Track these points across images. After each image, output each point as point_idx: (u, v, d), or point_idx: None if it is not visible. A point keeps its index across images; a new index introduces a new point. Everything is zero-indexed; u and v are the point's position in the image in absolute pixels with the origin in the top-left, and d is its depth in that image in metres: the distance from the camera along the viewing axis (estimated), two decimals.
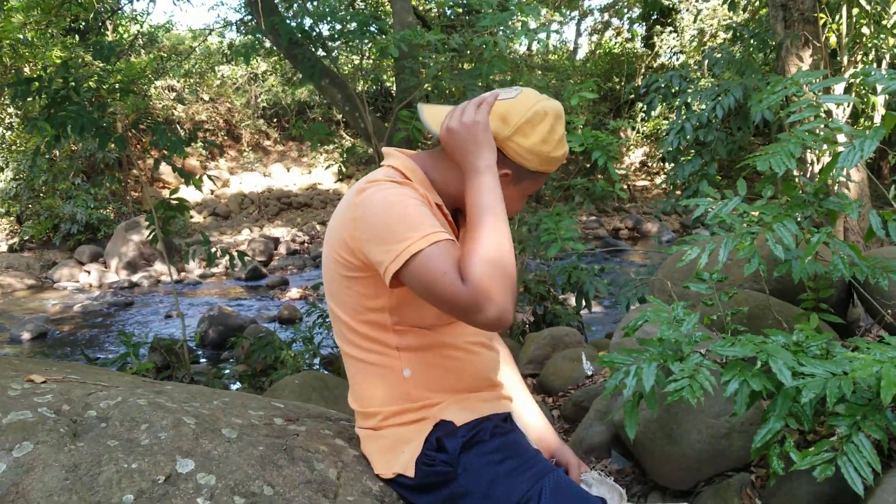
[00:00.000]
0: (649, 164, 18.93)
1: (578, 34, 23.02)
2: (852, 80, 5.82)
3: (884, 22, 5.53)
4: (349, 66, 12.01)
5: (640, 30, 19.71)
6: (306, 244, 15.30)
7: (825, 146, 2.95)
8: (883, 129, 2.52)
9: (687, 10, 15.33)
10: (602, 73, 19.59)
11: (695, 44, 15.67)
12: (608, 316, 7.98)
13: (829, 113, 4.89)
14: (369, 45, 5.89)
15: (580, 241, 5.07)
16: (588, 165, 5.26)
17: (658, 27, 17.59)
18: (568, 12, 19.08)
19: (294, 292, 11.45)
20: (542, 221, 5.10)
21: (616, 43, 20.78)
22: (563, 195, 7.26)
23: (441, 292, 1.31)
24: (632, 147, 19.07)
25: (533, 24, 5.17)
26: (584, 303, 6.06)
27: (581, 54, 21.92)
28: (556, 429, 3.75)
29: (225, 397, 1.81)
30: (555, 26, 21.05)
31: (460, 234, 1.61)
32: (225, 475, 1.41)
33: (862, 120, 5.79)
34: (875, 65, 5.83)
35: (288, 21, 5.68)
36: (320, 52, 6.09)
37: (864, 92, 5.87)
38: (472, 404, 1.54)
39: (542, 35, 19.47)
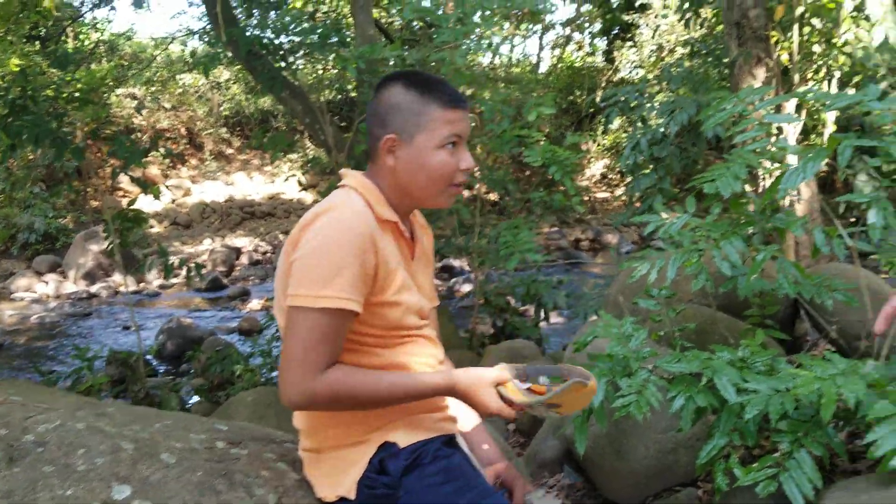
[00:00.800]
0: (609, 177, 19.15)
1: (541, 48, 23.27)
2: (801, 99, 5.97)
3: (834, 40, 5.67)
4: (312, 76, 11.99)
5: (602, 44, 19.97)
6: (269, 254, 15.16)
7: (773, 165, 3.02)
8: (826, 151, 2.59)
9: (646, 25, 15.57)
10: (564, 86, 19.79)
11: (653, 59, 15.91)
12: (567, 328, 8.04)
13: (778, 131, 5.00)
14: (332, 57, 5.89)
15: (540, 252, 5.12)
16: (549, 179, 5.31)
17: (618, 42, 17.84)
18: (531, 26, 19.26)
19: (255, 303, 11.34)
20: (501, 234, 5.14)
21: (577, 57, 21.03)
22: (523, 208, 7.30)
23: (291, 355, 1.39)
24: (592, 159, 19.28)
25: (496, 39, 5.23)
26: (542, 315, 6.10)
27: (543, 67, 22.13)
28: (512, 443, 3.77)
29: (167, 419, 1.79)
30: (518, 40, 21.27)
31: (416, 249, 1.63)
32: (162, 502, 1.39)
33: (813, 136, 5.93)
34: (826, 82, 5.98)
35: (247, 32, 5.65)
36: (281, 64, 6.06)
37: (814, 109, 6.02)
38: (417, 426, 1.54)
39: (505, 48, 19.65)
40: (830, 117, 5.75)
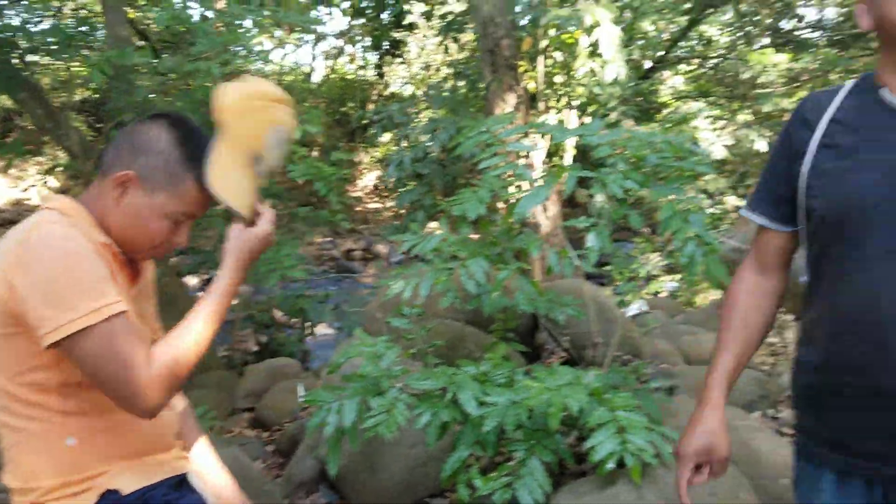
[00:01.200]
0: (381, 188, 19.50)
1: (314, 57, 23.18)
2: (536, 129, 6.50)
3: (573, 73, 6.24)
4: (62, 73, 10.98)
5: (373, 58, 20.32)
6: None
7: (512, 190, 3.26)
8: (554, 180, 2.85)
9: (415, 43, 16.10)
10: (336, 97, 19.87)
11: (421, 76, 16.48)
12: (337, 341, 8.06)
13: (525, 156, 5.40)
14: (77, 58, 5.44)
15: (309, 264, 5.09)
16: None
17: (388, 57, 18.26)
18: (303, 36, 19.13)
19: None
20: None
21: (350, 69, 21.22)
22: (288, 221, 7.22)
23: (113, 374, 1.27)
24: (365, 170, 19.54)
25: (269, 45, 5.13)
26: (308, 330, 6.07)
27: (317, 77, 22.06)
28: (270, 464, 3.71)
29: None
30: (290, 48, 21.00)
31: (139, 275, 1.54)
32: None
33: (556, 159, 6.48)
34: (567, 109, 6.56)
35: None
36: (20, 62, 5.48)
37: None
38: (143, 469, 1.47)
39: (277, 55, 19.31)
40: (570, 142, 6.30)
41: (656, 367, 3.70)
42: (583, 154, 5.93)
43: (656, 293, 6.90)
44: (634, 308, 5.78)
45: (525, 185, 3.16)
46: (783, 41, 10.95)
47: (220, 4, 5.42)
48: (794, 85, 8.87)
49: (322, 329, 7.05)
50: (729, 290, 1.55)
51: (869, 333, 1.25)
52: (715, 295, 5.68)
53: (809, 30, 11.57)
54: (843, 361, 1.30)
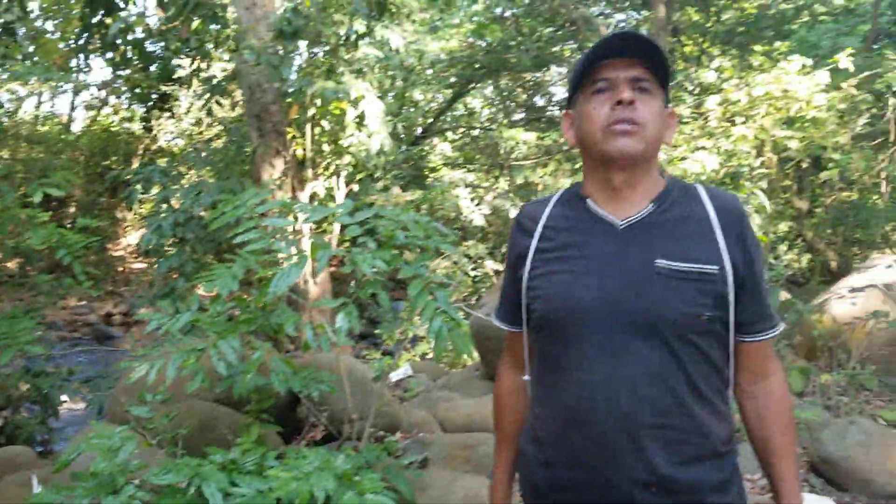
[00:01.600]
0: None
1: (73, 107, 21.54)
2: (316, 192, 6.54)
3: (340, 142, 6.36)
4: None
5: (141, 111, 19.32)
6: None
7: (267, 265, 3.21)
8: (307, 257, 2.86)
9: (185, 97, 15.58)
10: (99, 150, 18.59)
11: (190, 132, 15.96)
12: (85, 420, 7.35)
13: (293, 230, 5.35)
14: None
15: (61, 332, 4.63)
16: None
17: (157, 111, 17.48)
18: (60, 84, 17.78)
19: None
20: None
21: (114, 121, 20.00)
22: (30, 288, 6.57)
23: None
24: (129, 228, 18.35)
25: (23, 92, 4.69)
26: (50, 411, 5.51)
27: (76, 128, 20.52)
28: None
29: None
30: (46, 96, 19.41)
31: None
32: None
33: (325, 225, 6.52)
34: (335, 177, 6.64)
35: None
36: None
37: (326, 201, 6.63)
38: None
39: (31, 104, 17.76)
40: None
41: (413, 438, 3.77)
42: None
43: (424, 355, 7.09)
44: (400, 373, 5.89)
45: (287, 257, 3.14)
46: (536, 117, 11.97)
47: None
48: (544, 159, 9.70)
49: (73, 404, 6.41)
50: (495, 391, 1.66)
51: (591, 431, 1.32)
52: (475, 359, 5.94)
53: (558, 107, 12.74)
54: (569, 458, 1.37)
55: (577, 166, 8.71)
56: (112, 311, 15.20)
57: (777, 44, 8.68)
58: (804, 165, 7.97)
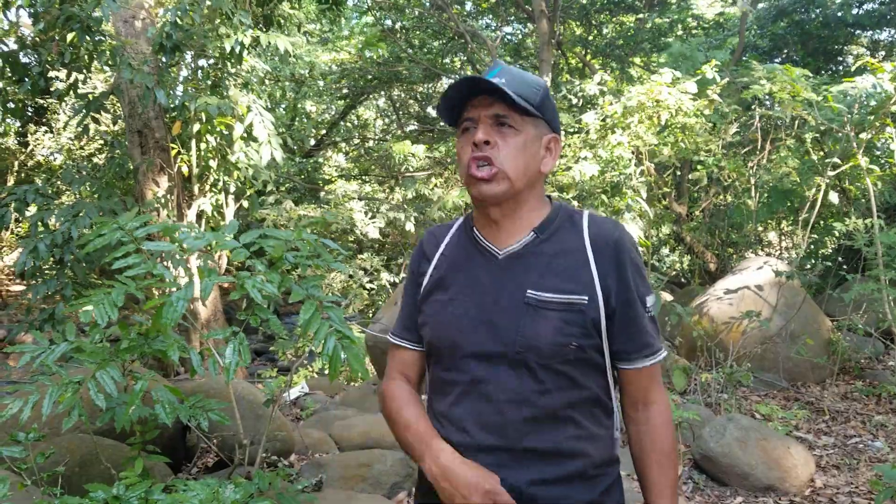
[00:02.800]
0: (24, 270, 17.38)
1: None
2: (203, 209, 6.36)
3: (228, 157, 6.20)
4: None
5: (16, 124, 18.23)
6: None
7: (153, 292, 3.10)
8: (193, 285, 2.78)
9: (63, 112, 14.84)
10: None
11: (72, 146, 15.23)
12: None
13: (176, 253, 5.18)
14: None
15: None
16: None
17: (33, 125, 16.55)
18: None
19: None
20: None
21: None
22: None
23: None
24: (5, 249, 17.30)
25: None
26: None
27: None
28: None
29: None
30: None
31: None
32: None
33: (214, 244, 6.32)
34: (223, 194, 6.48)
35: None
36: None
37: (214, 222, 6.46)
38: None
39: None
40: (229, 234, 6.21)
41: (308, 461, 3.73)
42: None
43: (322, 370, 7.00)
44: (296, 391, 5.81)
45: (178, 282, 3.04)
46: (428, 128, 12.07)
47: None
48: (438, 170, 9.79)
49: None
50: (388, 398, 1.56)
51: (466, 451, 1.38)
52: (372, 373, 5.92)
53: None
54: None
55: None
56: None
57: (655, 56, 9.09)
58: (680, 172, 8.38)
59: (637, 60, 10.71)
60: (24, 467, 2.68)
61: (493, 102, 1.38)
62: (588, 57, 11.93)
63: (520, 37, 12.80)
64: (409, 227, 8.23)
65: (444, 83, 13.02)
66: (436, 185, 9.00)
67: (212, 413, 3.07)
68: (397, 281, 8.71)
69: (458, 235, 1.54)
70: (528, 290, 1.38)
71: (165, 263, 3.62)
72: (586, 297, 1.37)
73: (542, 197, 1.49)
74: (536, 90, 1.40)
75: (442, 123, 12.68)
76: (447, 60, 12.29)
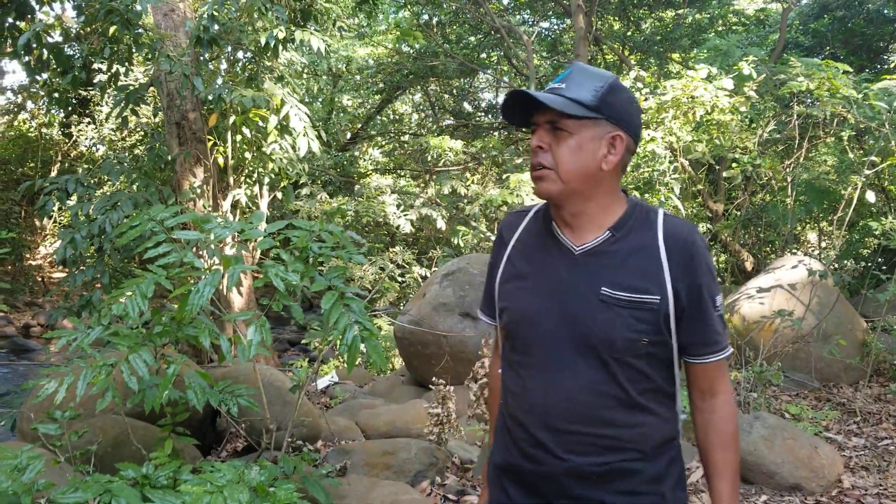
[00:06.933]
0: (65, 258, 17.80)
1: None
2: (238, 199, 6.47)
3: (263, 149, 6.30)
4: None
5: (60, 116, 18.69)
6: None
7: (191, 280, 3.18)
8: (219, 273, 2.85)
9: (106, 103, 15.16)
10: (15, 156, 17.92)
11: (113, 138, 15.55)
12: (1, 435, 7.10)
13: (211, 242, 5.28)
14: None
15: None
16: None
17: (76, 116, 16.95)
18: None
19: None
20: None
21: (31, 126, 19.31)
22: None
23: None
24: (48, 237, 17.75)
25: None
26: None
27: None
28: None
29: None
30: None
31: None
32: None
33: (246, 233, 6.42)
34: (258, 185, 6.58)
35: None
36: None
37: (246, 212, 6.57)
38: None
39: None
40: (261, 222, 6.32)
41: (333, 447, 3.79)
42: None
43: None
44: (326, 380, 5.89)
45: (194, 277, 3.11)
46: (464, 123, 12.08)
47: None
48: (471, 164, 9.80)
49: None
50: (490, 379, 1.86)
51: (532, 430, 1.52)
52: (401, 364, 5.98)
53: (484, 113, 12.87)
54: (518, 448, 1.56)
55: (505, 175, 8.86)
56: (31, 322, 14.64)
57: (693, 52, 8.99)
58: (717, 168, 8.28)
59: (676, 57, 10.59)
60: (58, 444, 2.78)
61: (548, 109, 1.45)
62: (626, 53, 11.84)
63: (557, 32, 12.74)
64: (441, 223, 8.26)
65: (481, 78, 13.03)
66: (472, 182, 9.01)
67: (241, 398, 3.15)
68: (428, 275, 8.75)
69: (534, 224, 1.63)
70: (603, 288, 1.46)
71: (200, 253, 3.73)
72: (659, 297, 1.44)
73: (616, 194, 1.54)
74: (597, 91, 1.46)
75: (478, 119, 12.69)
76: (483, 55, 12.29)
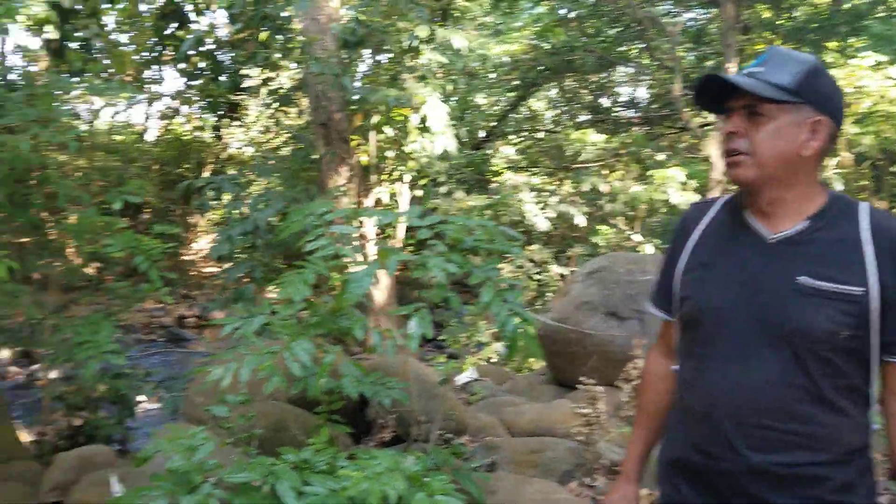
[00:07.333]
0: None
1: (147, 116, 22.38)
2: (380, 197, 6.62)
3: (403, 148, 6.43)
4: None
5: (212, 119, 19.89)
6: None
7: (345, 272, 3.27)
8: (377, 264, 2.91)
9: (254, 107, 15.98)
10: (172, 158, 19.22)
11: (258, 139, 16.36)
12: (163, 419, 7.61)
13: (355, 238, 5.44)
14: None
15: (136, 334, 4.80)
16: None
17: (227, 120, 17.97)
18: (135, 95, 18.46)
19: None
20: (77, 332, 4.72)
21: (187, 130, 20.66)
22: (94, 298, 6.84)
23: None
24: (201, 233, 18.91)
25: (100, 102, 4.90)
26: (126, 412, 5.72)
27: (150, 137, 21.29)
28: None
29: None
30: (121, 106, 20.17)
31: None
32: None
33: (389, 230, 6.59)
34: (398, 183, 6.71)
35: None
36: None
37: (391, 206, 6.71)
38: None
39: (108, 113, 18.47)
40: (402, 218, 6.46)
41: (479, 442, 3.79)
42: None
43: (488, 359, 7.09)
44: (465, 377, 5.91)
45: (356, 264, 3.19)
46: (601, 118, 11.84)
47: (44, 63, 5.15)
48: (610, 160, 9.58)
49: (149, 404, 6.63)
50: (644, 370, 1.81)
51: (714, 425, 1.45)
52: (540, 363, 5.92)
53: (623, 108, 12.56)
54: (696, 443, 1.51)
55: (649, 171, 8.60)
56: (185, 313, 15.64)
57: (851, 40, 8.39)
58: (881, 163, 7.71)
59: (832, 45, 9.92)
60: (227, 426, 2.91)
61: (745, 93, 1.41)
62: (778, 42, 11.21)
63: (702, 22, 12.25)
64: (579, 220, 8.13)
65: (619, 72, 12.73)
66: (613, 178, 8.80)
67: (392, 391, 3.20)
68: (566, 273, 8.64)
69: (721, 213, 1.58)
70: (802, 277, 1.40)
71: (359, 243, 3.78)
72: (862, 289, 1.37)
73: (815, 184, 1.48)
74: (798, 74, 1.41)
75: (615, 113, 12.41)
76: (622, 48, 12.00)
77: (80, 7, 8.34)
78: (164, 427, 4.18)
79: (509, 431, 4.16)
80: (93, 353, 4.45)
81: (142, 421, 6.86)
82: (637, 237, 8.36)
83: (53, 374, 5.79)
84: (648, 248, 7.80)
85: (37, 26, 8.49)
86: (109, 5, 10.23)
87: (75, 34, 8.12)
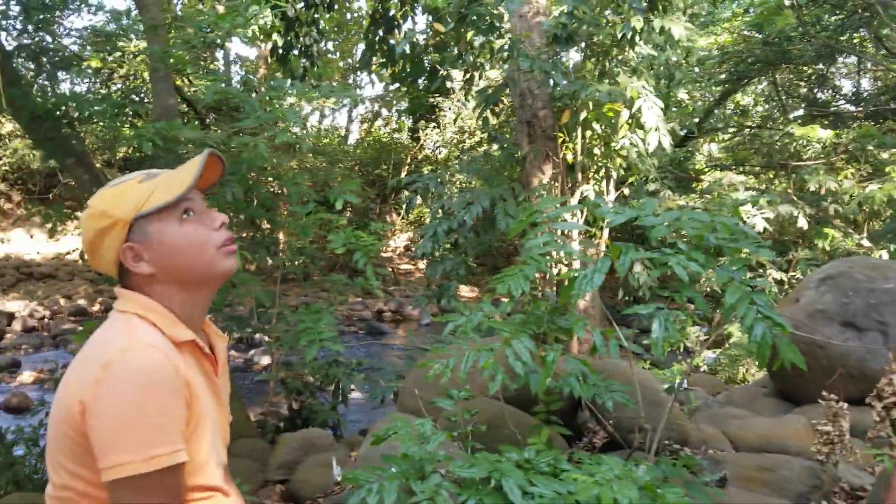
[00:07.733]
0: (413, 249, 19.59)
1: (350, 120, 23.66)
2: (586, 196, 6.48)
3: (612, 144, 6.24)
4: (104, 136, 11.27)
5: (408, 122, 20.65)
6: (46, 320, 13.76)
7: (560, 269, 3.21)
8: (608, 261, 2.80)
9: (450, 109, 16.33)
10: (371, 159, 20.17)
11: (455, 140, 16.71)
12: (368, 408, 7.95)
13: (566, 236, 5.35)
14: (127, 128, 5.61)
15: (339, 326, 5.04)
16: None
17: (423, 121, 18.55)
18: (340, 99, 19.57)
19: (27, 375, 10.20)
20: (301, 319, 5.02)
21: (385, 132, 21.58)
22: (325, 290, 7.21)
23: None
24: (397, 231, 19.66)
25: (308, 108, 5.22)
26: (340, 399, 6.01)
27: (352, 140, 22.47)
28: None
29: None
30: (328, 111, 21.48)
31: (218, 363, 1.47)
32: None
33: (593, 230, 6.43)
34: (605, 181, 6.53)
35: (32, 95, 5.20)
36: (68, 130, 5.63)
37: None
38: None
39: (315, 118, 19.74)
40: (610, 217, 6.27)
41: (704, 455, 3.57)
42: (620, 226, 5.90)
43: (697, 367, 6.74)
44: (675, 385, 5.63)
45: (575, 262, 3.11)
46: (819, 113, 10.91)
47: (262, 71, 5.54)
48: (835, 158, 8.78)
49: (354, 393, 6.96)
50: None
51: None
52: (759, 374, 5.51)
53: (843, 101, 11.50)
54: None
55: (885, 168, 7.76)
56: (383, 308, 16.38)
57: None
58: None
59: None
60: (451, 419, 2.93)
61: None
62: None
63: None
64: (802, 222, 7.49)
65: (840, 63, 11.67)
66: (845, 176, 8.04)
67: (615, 394, 3.08)
68: (785, 279, 8.01)
69: None
70: None
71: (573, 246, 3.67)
72: None
73: None
74: None
75: (838, 105, 11.38)
76: (845, 38, 10.98)
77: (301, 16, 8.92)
78: (386, 415, 4.33)
79: (734, 445, 3.89)
80: (314, 338, 4.71)
81: (348, 410, 7.21)
82: (866, 242, 7.58)
83: (277, 360, 6.21)
84: (883, 254, 7.04)
85: (261, 35, 9.16)
86: (328, 14, 10.85)
87: (297, 41, 8.70)
